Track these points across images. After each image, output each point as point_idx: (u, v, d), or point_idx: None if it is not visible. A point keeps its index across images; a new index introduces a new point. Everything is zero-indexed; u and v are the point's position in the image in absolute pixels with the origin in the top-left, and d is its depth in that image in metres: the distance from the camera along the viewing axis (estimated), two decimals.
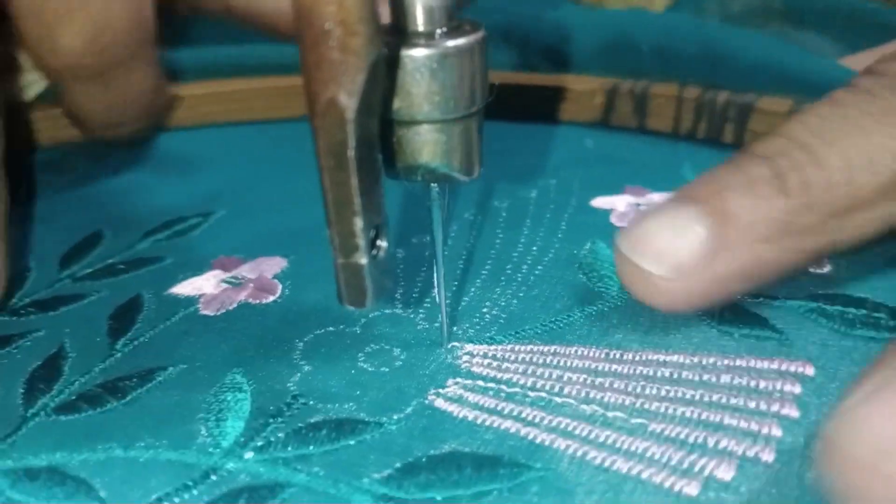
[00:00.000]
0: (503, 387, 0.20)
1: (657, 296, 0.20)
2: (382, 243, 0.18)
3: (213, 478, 0.17)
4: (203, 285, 0.25)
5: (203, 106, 0.38)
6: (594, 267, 0.24)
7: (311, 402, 0.19)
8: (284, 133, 0.37)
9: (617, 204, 0.28)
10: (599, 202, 0.28)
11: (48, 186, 0.33)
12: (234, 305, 0.24)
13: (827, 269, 0.23)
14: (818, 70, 0.30)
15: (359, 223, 0.17)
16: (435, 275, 0.21)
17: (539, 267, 0.25)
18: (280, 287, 0.24)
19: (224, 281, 0.25)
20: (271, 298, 0.24)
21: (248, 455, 0.18)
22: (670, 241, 0.20)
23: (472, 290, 0.24)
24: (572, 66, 0.36)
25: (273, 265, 0.26)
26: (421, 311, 0.23)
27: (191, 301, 0.24)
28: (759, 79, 0.31)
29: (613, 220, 0.27)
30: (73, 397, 0.20)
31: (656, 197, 0.28)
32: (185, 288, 0.25)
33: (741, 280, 0.20)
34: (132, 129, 0.33)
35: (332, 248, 0.18)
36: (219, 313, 0.23)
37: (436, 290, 0.22)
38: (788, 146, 0.21)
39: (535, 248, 0.26)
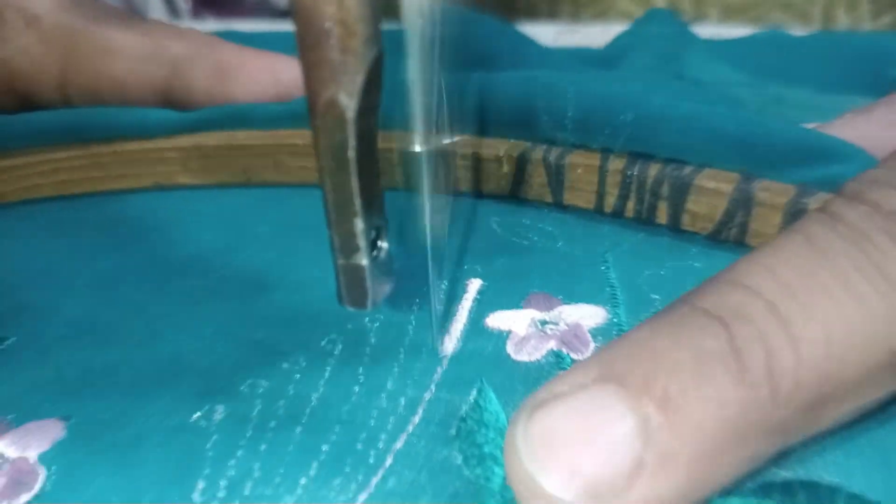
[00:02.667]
0: None
1: None
2: (383, 244, 0.18)
3: None
4: None
5: (27, 178, 0.31)
6: (475, 439, 0.18)
7: None
8: (126, 209, 0.30)
9: (516, 324, 0.22)
10: (496, 320, 0.22)
11: None
12: None
13: None
14: (775, 136, 0.24)
15: (359, 224, 0.17)
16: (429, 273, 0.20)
17: (403, 437, 0.18)
18: (42, 477, 0.18)
19: None
20: (25, 498, 0.17)
21: None
22: (586, 449, 0.14)
23: (304, 479, 0.17)
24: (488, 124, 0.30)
25: (43, 438, 0.19)
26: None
27: None
28: (698, 145, 0.25)
29: (510, 349, 0.21)
30: None
31: (567, 311, 0.22)
32: None
33: None
34: None
35: (332, 249, 0.17)
36: None
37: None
38: (751, 305, 0.15)
39: (402, 402, 0.19)
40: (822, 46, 0.44)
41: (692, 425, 0.14)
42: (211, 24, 0.65)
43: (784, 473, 0.16)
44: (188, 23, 0.66)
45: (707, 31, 0.54)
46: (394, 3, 0.17)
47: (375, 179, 0.17)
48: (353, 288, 0.18)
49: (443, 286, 0.23)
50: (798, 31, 0.55)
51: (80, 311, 0.24)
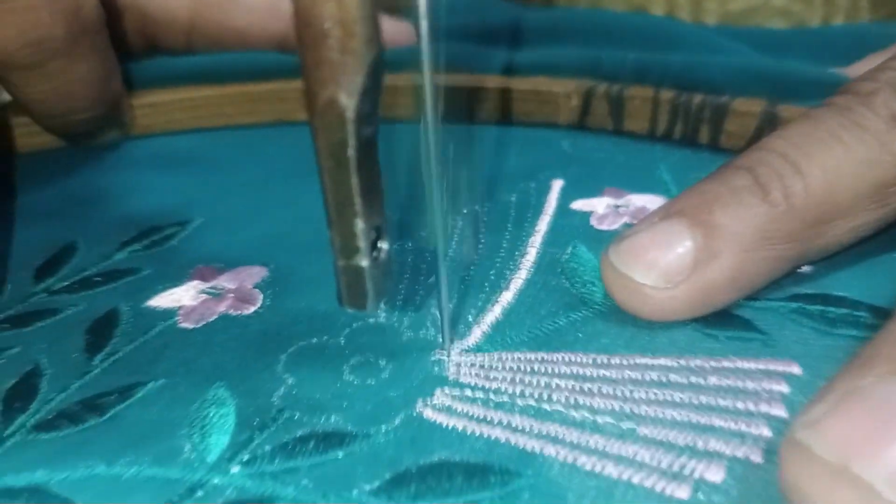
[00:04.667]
0: (491, 395, 0.19)
1: (646, 306, 0.21)
2: (383, 245, 0.18)
3: (200, 493, 0.17)
4: (182, 297, 0.24)
5: (174, 112, 0.38)
6: (577, 272, 0.24)
7: (297, 416, 0.19)
8: (256, 139, 0.37)
9: (596, 206, 0.28)
10: (579, 205, 0.28)
11: (25, 194, 0.33)
12: (214, 317, 0.23)
13: (806, 268, 0.23)
14: (795, 72, 0.31)
15: (360, 224, 0.17)
16: (438, 262, 0.20)
17: (521, 272, 0.24)
18: (261, 297, 0.24)
19: (203, 292, 0.25)
20: (252, 309, 0.24)
21: (235, 469, 0.18)
22: (659, 253, 0.20)
23: (456, 297, 0.23)
24: (547, 68, 0.36)
25: (253, 274, 0.25)
26: (405, 319, 0.22)
27: (169, 313, 0.24)
28: (734, 81, 0.32)
29: (593, 222, 0.27)
30: (52, 415, 0.20)
31: (635, 198, 0.28)
32: (163, 300, 0.24)
33: (728, 289, 0.21)
34: (84, 119, 0.33)
35: (332, 249, 0.18)
36: (198, 326, 0.23)
37: (437, 277, 0.20)
38: (769, 157, 0.21)
39: (516, 254, 0.26)
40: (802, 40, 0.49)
41: (731, 233, 0.20)
42: None
43: (806, 289, 0.23)
44: None
45: None
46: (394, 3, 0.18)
47: (375, 179, 0.17)
48: (352, 289, 0.18)
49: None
50: None
51: (244, 201, 0.31)
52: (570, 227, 0.27)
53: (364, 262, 0.17)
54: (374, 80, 0.16)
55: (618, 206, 0.28)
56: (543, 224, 0.27)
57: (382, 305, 0.22)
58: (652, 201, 0.28)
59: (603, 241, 0.26)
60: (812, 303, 0.22)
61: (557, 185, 0.30)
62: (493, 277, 0.24)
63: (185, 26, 0.38)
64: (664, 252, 0.21)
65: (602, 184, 0.30)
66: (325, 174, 0.17)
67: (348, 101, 0.16)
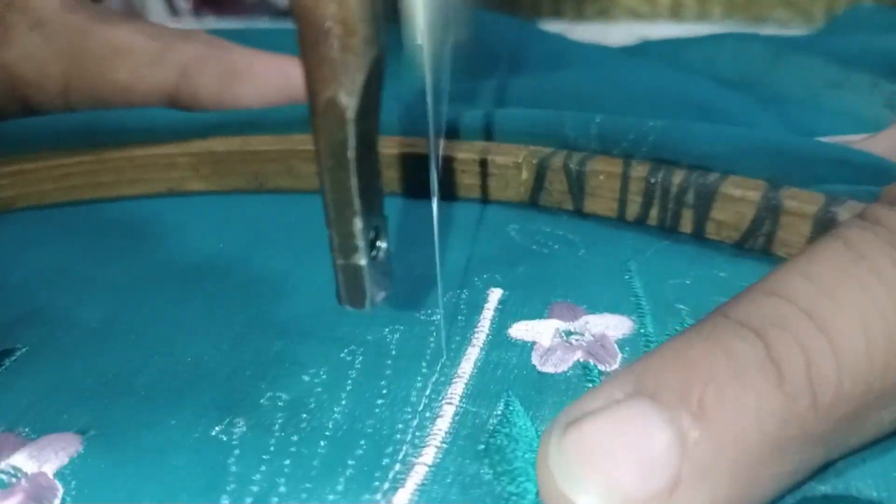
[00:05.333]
0: None
1: None
2: (382, 244, 0.18)
3: None
4: None
5: (42, 182, 0.31)
6: (506, 455, 0.17)
7: None
8: (140, 214, 0.30)
9: (542, 334, 0.21)
10: (520, 330, 0.22)
11: None
12: None
13: None
14: (804, 147, 0.24)
15: (358, 224, 0.17)
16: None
17: (428, 452, 0.17)
18: (59, 494, 0.17)
19: None
20: None
21: None
22: (621, 464, 0.14)
23: (331, 496, 0.16)
24: (496, 130, 0.29)
25: (60, 451, 0.18)
26: None
27: None
28: (727, 154, 0.25)
29: (536, 360, 0.20)
30: None
31: (594, 321, 0.22)
32: None
33: None
34: None
35: (331, 249, 0.17)
36: None
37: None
38: (788, 314, 0.14)
39: (427, 416, 0.19)
40: None
41: (730, 437, 0.14)
42: (211, 24, 0.65)
43: (823, 489, 0.16)
44: (188, 22, 0.66)
45: (709, 28, 0.54)
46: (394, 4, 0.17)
47: (375, 179, 0.17)
48: (351, 288, 0.18)
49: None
50: (800, 27, 0.55)
51: (95, 317, 0.24)
52: (505, 367, 0.20)
53: (362, 261, 0.17)
54: (375, 80, 0.16)
55: (570, 335, 0.21)
56: (469, 363, 0.20)
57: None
58: (616, 325, 0.21)
59: (546, 391, 0.19)
60: None
61: (495, 296, 0.23)
62: (386, 462, 0.17)
63: (60, 84, 0.31)
64: (629, 463, 0.14)
65: (553, 293, 0.23)
66: (325, 174, 0.17)
67: (349, 101, 0.16)
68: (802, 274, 0.15)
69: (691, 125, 0.26)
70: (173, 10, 0.70)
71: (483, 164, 0.28)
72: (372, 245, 0.18)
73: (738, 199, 0.24)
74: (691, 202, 0.25)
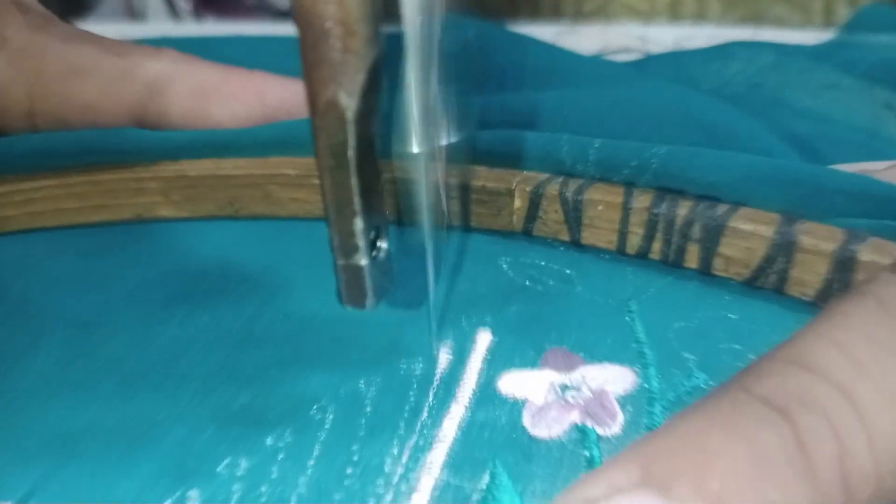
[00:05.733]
0: None
1: None
2: (382, 244, 0.18)
3: None
4: None
5: (2, 208, 0.29)
6: None
7: None
8: (107, 243, 0.28)
9: (534, 390, 0.19)
10: (510, 384, 0.19)
11: None
12: None
13: None
14: (820, 177, 0.22)
15: (359, 224, 0.17)
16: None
17: None
18: None
19: None
20: None
21: None
22: None
23: None
24: (489, 154, 0.27)
25: None
26: None
27: None
28: (737, 183, 0.23)
29: (527, 422, 0.18)
30: None
31: (592, 372, 0.20)
32: None
33: None
34: None
35: (331, 249, 0.17)
36: None
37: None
38: (819, 392, 0.12)
39: (402, 489, 0.16)
40: None
41: None
42: (211, 25, 0.63)
43: None
44: (189, 23, 0.64)
45: (709, 28, 0.52)
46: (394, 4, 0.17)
47: (375, 179, 0.17)
48: (352, 288, 0.18)
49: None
50: (798, 25, 0.53)
51: (51, 359, 0.22)
52: (493, 428, 0.18)
53: (363, 261, 0.17)
54: (375, 80, 0.16)
55: (565, 390, 0.19)
56: (453, 424, 0.18)
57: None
58: (617, 378, 0.19)
59: (537, 460, 0.17)
60: None
61: (484, 341, 0.21)
62: None
63: (24, 105, 0.29)
64: None
65: (546, 339, 0.21)
66: (325, 174, 0.17)
67: (349, 101, 0.16)
68: (833, 342, 0.13)
69: (698, 151, 0.23)
70: (173, 10, 0.68)
71: (472, 189, 0.26)
72: (372, 245, 0.18)
73: (749, 233, 0.22)
74: (697, 236, 0.23)
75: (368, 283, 0.17)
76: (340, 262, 0.17)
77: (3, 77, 0.29)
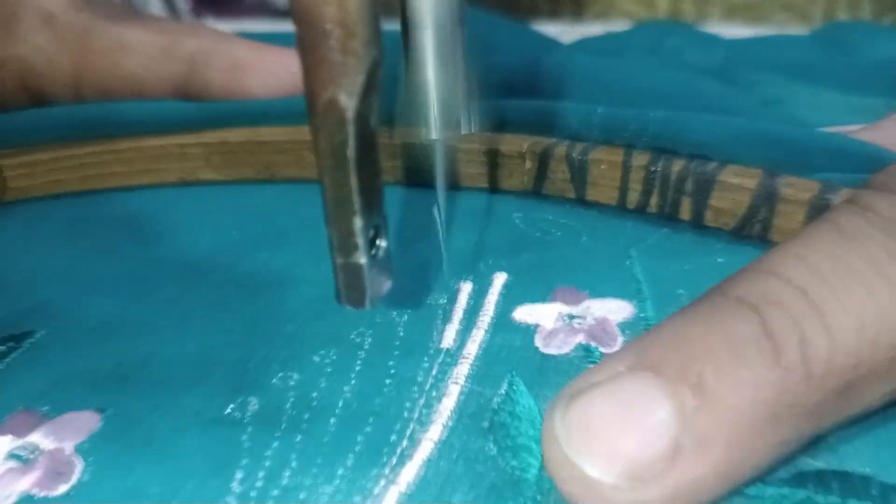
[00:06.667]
0: None
1: None
2: (382, 243, 0.18)
3: None
4: None
5: (56, 172, 0.32)
6: (509, 431, 0.18)
7: None
8: (153, 204, 0.31)
9: (545, 318, 0.22)
10: (524, 314, 0.22)
11: None
12: (13, 500, 0.17)
13: None
14: (800, 137, 0.24)
15: (358, 223, 0.17)
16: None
17: (434, 429, 0.18)
18: (79, 468, 0.18)
19: (12, 455, 0.18)
20: (62, 489, 0.17)
21: None
22: (624, 433, 0.14)
23: (341, 470, 0.17)
24: (502, 120, 0.30)
25: (79, 428, 0.19)
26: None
27: None
28: (724, 144, 0.25)
29: (539, 342, 0.21)
30: None
31: (595, 305, 0.22)
32: None
33: (718, 488, 0.15)
34: None
35: (330, 247, 0.17)
36: None
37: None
38: (783, 292, 0.15)
39: (434, 395, 0.19)
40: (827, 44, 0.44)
41: (728, 409, 0.14)
42: (210, 24, 0.65)
43: (817, 464, 0.17)
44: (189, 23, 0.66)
45: (709, 30, 0.54)
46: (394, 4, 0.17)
47: (375, 178, 0.17)
48: (351, 287, 0.18)
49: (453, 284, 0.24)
50: (800, 31, 0.55)
51: (108, 305, 0.24)
52: (509, 349, 0.21)
53: (362, 260, 0.17)
54: (374, 81, 0.16)
55: (572, 318, 0.22)
56: (475, 345, 0.21)
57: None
58: (617, 310, 0.22)
59: (548, 372, 0.20)
60: (826, 489, 0.16)
61: (500, 280, 0.24)
62: (394, 438, 0.18)
63: (71, 76, 0.32)
64: (631, 432, 0.15)
65: (555, 279, 0.24)
66: (325, 173, 0.17)
67: (348, 102, 0.16)
68: (797, 256, 0.16)
69: (691, 116, 0.26)
70: (173, 10, 0.70)
71: (488, 154, 0.29)
72: (372, 244, 0.18)
73: (736, 186, 0.24)
74: (690, 190, 0.25)
75: (367, 282, 0.18)
76: (339, 260, 0.18)
77: (51, 51, 0.32)
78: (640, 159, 0.26)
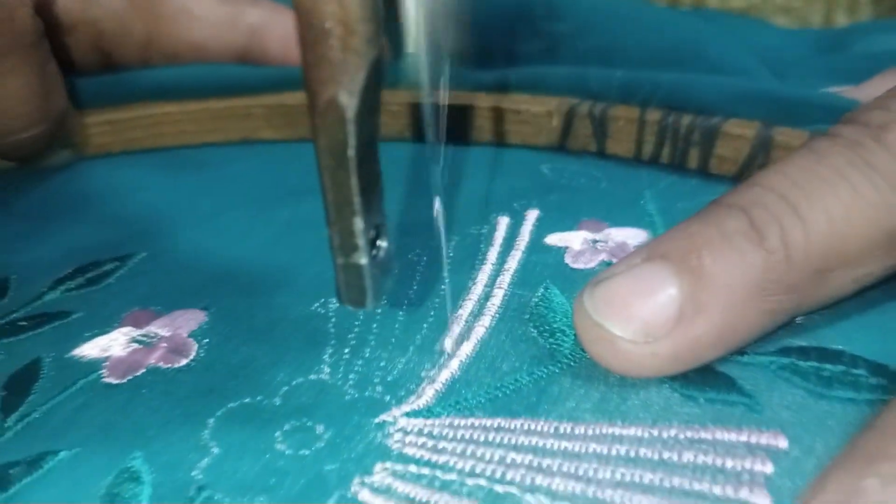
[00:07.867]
0: (438, 472, 0.17)
1: (622, 361, 0.19)
2: (382, 243, 0.18)
3: None
4: (110, 346, 0.22)
5: (132, 131, 0.36)
6: (546, 319, 0.22)
7: (218, 497, 0.17)
8: (219, 158, 0.35)
9: (572, 241, 0.26)
10: (554, 239, 0.26)
11: None
12: (142, 371, 0.21)
13: (800, 318, 0.21)
14: (794, 95, 0.28)
15: (359, 223, 0.17)
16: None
17: (485, 319, 0.22)
18: (195, 347, 0.22)
19: (134, 340, 0.22)
20: (184, 362, 0.21)
21: None
22: (640, 302, 0.18)
23: (411, 347, 0.21)
24: (530, 85, 0.34)
25: (190, 320, 0.23)
26: (351, 376, 0.20)
27: (94, 365, 0.21)
28: (727, 102, 0.29)
29: (568, 260, 0.25)
30: None
31: (615, 232, 0.26)
32: (90, 349, 0.22)
33: (715, 346, 0.19)
34: (24, 139, 0.30)
35: (331, 247, 0.18)
36: (124, 381, 0.21)
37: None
38: (766, 197, 0.19)
39: (484, 293, 0.23)
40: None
41: (722, 284, 0.18)
42: None
43: (799, 342, 0.20)
44: None
45: None
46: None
47: (375, 178, 0.18)
48: (351, 287, 0.18)
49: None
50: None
51: (194, 234, 0.28)
52: (543, 264, 0.25)
53: (363, 260, 0.17)
54: (375, 80, 0.16)
55: (596, 242, 0.26)
56: (514, 261, 0.25)
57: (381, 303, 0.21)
58: (634, 236, 0.26)
59: (577, 281, 0.23)
60: (805, 358, 0.20)
61: (532, 215, 0.28)
62: (452, 325, 0.22)
63: (142, 41, 0.36)
64: (645, 301, 0.19)
65: (580, 214, 0.28)
66: (325, 173, 0.17)
67: (349, 101, 0.16)
68: (777, 171, 0.20)
69: (698, 78, 0.30)
70: None
71: (520, 112, 0.33)
72: (372, 244, 0.18)
73: (737, 136, 0.28)
74: (697, 140, 0.29)
75: (368, 282, 0.18)
76: (340, 260, 0.18)
77: (124, 16, 0.36)
78: (653, 115, 0.30)
